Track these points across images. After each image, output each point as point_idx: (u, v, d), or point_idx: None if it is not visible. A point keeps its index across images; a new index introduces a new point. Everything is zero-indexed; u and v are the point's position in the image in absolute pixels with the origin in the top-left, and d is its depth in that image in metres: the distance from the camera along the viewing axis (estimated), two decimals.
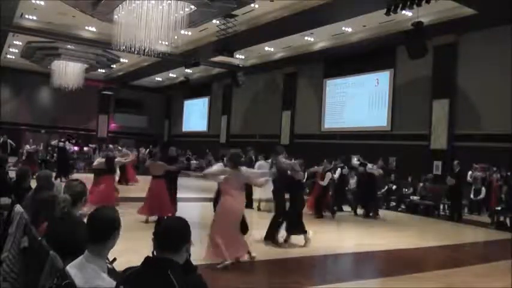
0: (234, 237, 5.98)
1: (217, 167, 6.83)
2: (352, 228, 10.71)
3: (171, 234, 2.06)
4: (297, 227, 7.60)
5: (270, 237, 7.54)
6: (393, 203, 14.23)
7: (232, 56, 18.92)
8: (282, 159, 7.96)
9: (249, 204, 12.35)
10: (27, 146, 18.97)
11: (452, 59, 14.74)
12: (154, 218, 8.49)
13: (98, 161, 10.57)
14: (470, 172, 13.29)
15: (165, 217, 2.24)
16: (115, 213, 2.34)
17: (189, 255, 2.16)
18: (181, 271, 1.97)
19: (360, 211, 12.16)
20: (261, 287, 5.52)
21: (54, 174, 6.32)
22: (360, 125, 17.97)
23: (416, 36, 12.68)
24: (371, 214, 11.88)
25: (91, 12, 14.32)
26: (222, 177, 6.23)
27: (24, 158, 18.70)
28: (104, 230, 2.23)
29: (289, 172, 7.79)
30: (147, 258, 2.02)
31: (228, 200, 6.05)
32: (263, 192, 11.76)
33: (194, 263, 2.14)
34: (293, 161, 8.38)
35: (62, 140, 18.92)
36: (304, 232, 7.60)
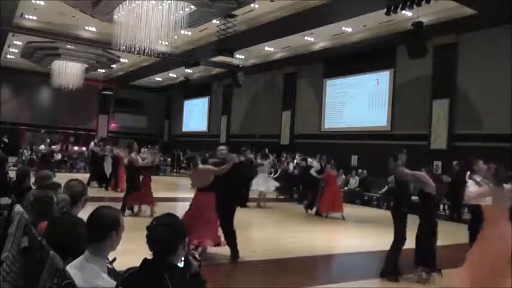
0: None
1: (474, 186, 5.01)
2: (352, 228, 10.72)
3: (165, 236, 2.02)
4: (428, 260, 5.81)
5: (391, 271, 5.89)
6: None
7: (232, 56, 18.92)
8: (402, 168, 5.99)
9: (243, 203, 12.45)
10: (42, 146, 18.35)
11: (452, 59, 14.73)
12: None
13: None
14: (468, 172, 13.26)
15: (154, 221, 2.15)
16: (115, 213, 2.31)
17: (199, 263, 2.14)
18: (178, 272, 1.96)
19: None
20: (261, 287, 5.52)
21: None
22: (360, 125, 17.96)
23: (416, 36, 12.69)
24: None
25: (91, 12, 14.33)
26: (487, 199, 4.67)
27: (38, 160, 18.15)
28: (100, 229, 2.22)
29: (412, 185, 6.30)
30: (144, 260, 2.02)
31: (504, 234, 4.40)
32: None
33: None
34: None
35: (96, 141, 17.32)
36: (436, 269, 5.85)
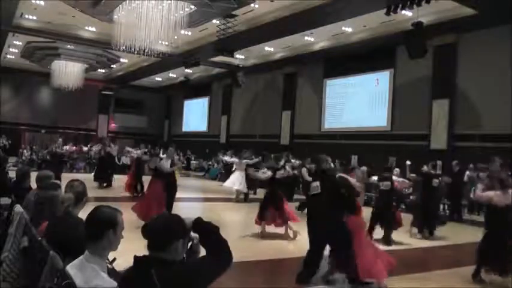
0: None
1: None
2: None
3: (156, 231, 2.02)
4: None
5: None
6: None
7: (232, 56, 18.93)
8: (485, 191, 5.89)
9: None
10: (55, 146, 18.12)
11: (452, 59, 14.73)
12: None
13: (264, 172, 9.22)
14: (468, 172, 13.28)
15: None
16: (112, 212, 2.30)
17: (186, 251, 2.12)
18: (168, 267, 1.92)
19: None
20: (260, 287, 5.52)
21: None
22: (360, 125, 17.96)
23: (416, 36, 12.68)
24: None
25: (91, 12, 14.33)
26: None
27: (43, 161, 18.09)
28: (98, 228, 2.21)
29: None
30: (134, 258, 2.02)
31: None
32: None
33: None
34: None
35: (106, 142, 17.26)
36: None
